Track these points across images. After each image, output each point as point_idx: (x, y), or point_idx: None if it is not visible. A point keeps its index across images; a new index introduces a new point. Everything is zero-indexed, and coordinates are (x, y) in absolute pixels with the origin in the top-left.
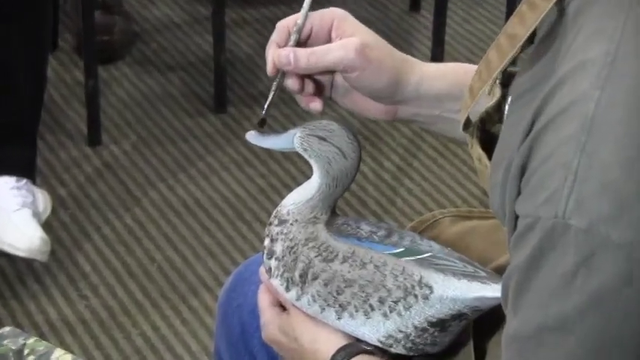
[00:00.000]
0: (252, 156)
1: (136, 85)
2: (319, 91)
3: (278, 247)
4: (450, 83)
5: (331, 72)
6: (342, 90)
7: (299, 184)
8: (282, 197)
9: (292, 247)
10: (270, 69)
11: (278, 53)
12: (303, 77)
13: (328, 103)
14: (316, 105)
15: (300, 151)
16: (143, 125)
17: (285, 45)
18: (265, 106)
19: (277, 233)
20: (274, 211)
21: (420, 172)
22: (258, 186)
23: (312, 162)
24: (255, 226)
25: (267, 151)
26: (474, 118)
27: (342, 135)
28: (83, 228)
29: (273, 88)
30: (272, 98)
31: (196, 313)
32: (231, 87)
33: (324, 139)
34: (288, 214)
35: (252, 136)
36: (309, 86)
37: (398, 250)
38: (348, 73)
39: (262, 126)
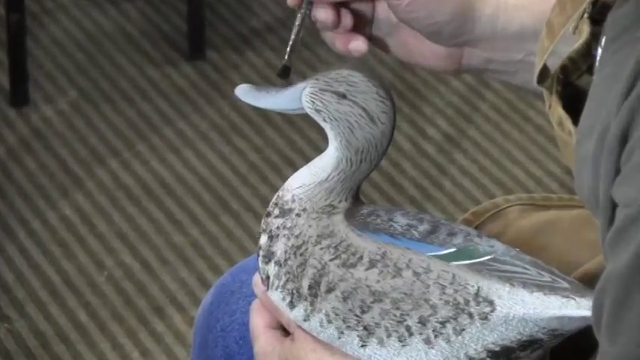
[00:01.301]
0: (243, 120)
1: (77, 21)
2: (359, 27)
3: (279, 247)
4: (536, 16)
5: None
6: (387, 27)
7: (308, 160)
8: (285, 178)
9: (299, 247)
10: None
11: None
12: (337, 6)
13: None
14: (359, 44)
15: (311, 112)
16: (87, 77)
17: None
18: (288, 49)
19: (278, 228)
20: (274, 197)
21: (476, 143)
22: (250, 162)
23: (327, 128)
24: (245, 218)
25: (264, 113)
26: (554, 67)
27: (370, 90)
28: (3, 222)
29: (297, 22)
30: (297, 37)
31: (162, 341)
32: (212, 23)
33: (343, 96)
34: (294, 200)
35: (243, 92)
36: (347, 18)
37: (447, 252)
38: (396, 0)
39: (285, 77)
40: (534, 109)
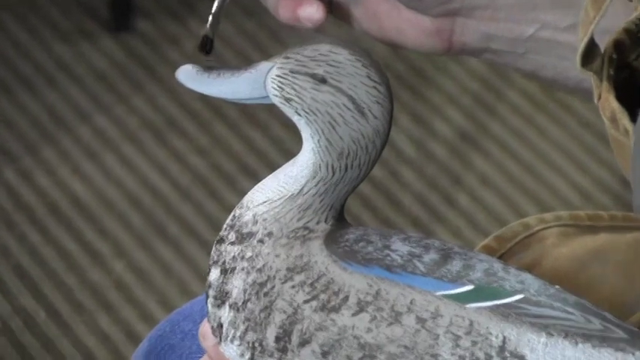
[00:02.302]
0: (184, 113)
1: None
2: None
3: (236, 285)
4: None
5: None
6: None
7: (274, 166)
8: (242, 191)
9: (263, 285)
10: None
11: None
12: None
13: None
14: (311, 11)
15: (279, 102)
16: None
17: None
18: (211, 15)
19: (234, 258)
20: (229, 218)
21: (501, 144)
22: (193, 171)
23: (300, 124)
24: (187, 246)
25: (213, 103)
26: (603, 44)
27: (358, 72)
28: None
29: None
30: (220, 2)
31: None
32: None
33: (323, 81)
34: (256, 222)
35: (186, 75)
36: None
37: (462, 290)
38: None
39: (207, 52)
40: (578, 100)
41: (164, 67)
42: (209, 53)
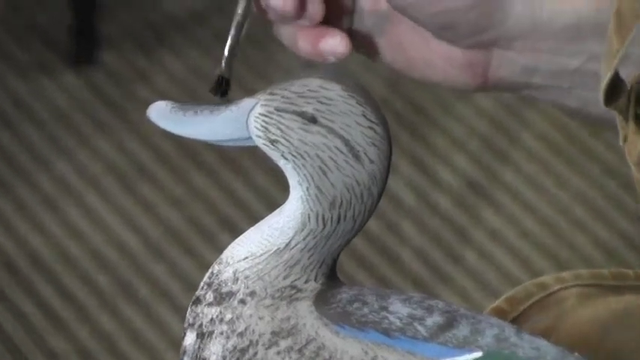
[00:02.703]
0: (154, 158)
1: None
2: (333, 18)
3: (214, 351)
4: (600, 2)
5: None
6: (374, 18)
7: (256, 218)
8: (220, 246)
9: (244, 351)
10: None
11: None
12: None
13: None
14: (335, 43)
15: (263, 144)
16: None
17: None
18: (226, 51)
19: (212, 321)
20: (207, 275)
21: (514, 193)
22: (165, 223)
23: (286, 169)
24: (158, 310)
25: (188, 146)
26: (630, 78)
27: (353, 110)
28: None
29: (239, 9)
30: (238, 31)
31: None
32: (107, 9)
33: (312, 120)
34: (237, 279)
35: (159, 113)
36: (315, 5)
37: (469, 357)
38: None
39: (222, 94)
40: (601, 139)
41: (132, 106)
42: (225, 95)
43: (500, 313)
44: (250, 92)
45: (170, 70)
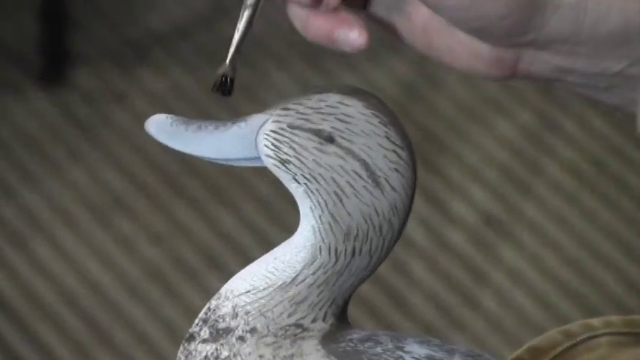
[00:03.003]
0: (137, 192)
1: None
2: (351, 1)
3: None
4: None
5: None
6: (396, 1)
7: (254, 256)
8: (210, 287)
9: None
10: None
11: None
12: None
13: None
14: (353, 36)
15: (273, 165)
16: None
17: None
18: (233, 44)
19: (207, 358)
20: (203, 311)
21: (536, 228)
22: (153, 268)
23: (297, 194)
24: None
25: (177, 177)
26: None
27: (375, 130)
28: None
29: (248, 1)
30: (247, 24)
31: None
32: (79, 23)
33: (329, 139)
34: (236, 315)
35: (160, 127)
36: None
37: None
38: None
39: (227, 93)
40: (633, 169)
41: (108, 130)
42: (228, 95)
43: None
44: (239, 114)
45: (150, 90)
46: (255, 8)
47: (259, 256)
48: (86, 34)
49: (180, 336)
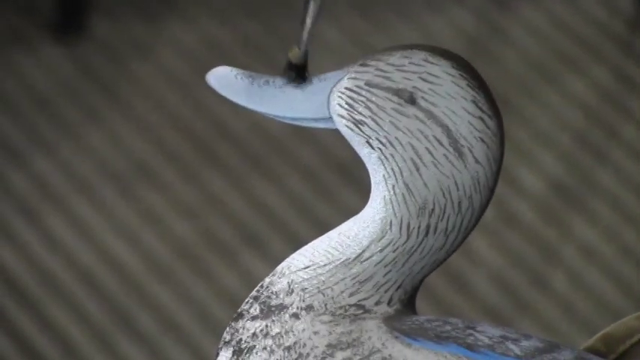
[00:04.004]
0: (165, 162)
1: None
2: None
3: None
4: None
5: None
6: None
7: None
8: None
9: None
10: None
11: None
12: None
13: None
14: None
15: (345, 126)
16: None
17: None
18: (305, 31)
19: (254, 336)
20: (255, 289)
21: (611, 196)
22: (186, 246)
23: (370, 161)
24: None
25: (211, 139)
26: None
27: (461, 93)
28: None
29: None
30: (318, 10)
31: None
32: None
33: (410, 100)
34: (291, 291)
35: (223, 80)
36: None
37: None
38: None
39: (300, 79)
40: None
41: (131, 88)
42: (303, 81)
43: (595, 353)
44: (280, 71)
45: (179, 42)
46: None
47: (302, 233)
48: None
49: (213, 322)
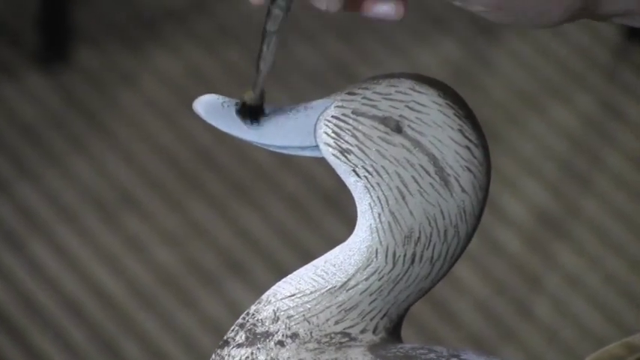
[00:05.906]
0: (150, 190)
1: None
2: None
3: None
4: None
5: None
6: None
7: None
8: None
9: None
10: None
11: None
12: None
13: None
14: (388, 9)
15: (331, 154)
16: None
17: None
18: (261, 75)
19: None
20: (241, 317)
21: (595, 225)
22: (169, 275)
23: (356, 189)
24: None
25: (194, 168)
26: None
27: (448, 122)
28: None
29: (278, 12)
30: (272, 54)
31: None
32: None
33: (396, 129)
34: (277, 319)
35: (210, 108)
36: None
37: None
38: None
39: (254, 118)
40: None
41: (114, 116)
42: (257, 122)
43: (616, 358)
44: (267, 100)
45: (162, 71)
46: (280, 33)
47: (287, 262)
48: (90, 9)
49: (196, 349)
